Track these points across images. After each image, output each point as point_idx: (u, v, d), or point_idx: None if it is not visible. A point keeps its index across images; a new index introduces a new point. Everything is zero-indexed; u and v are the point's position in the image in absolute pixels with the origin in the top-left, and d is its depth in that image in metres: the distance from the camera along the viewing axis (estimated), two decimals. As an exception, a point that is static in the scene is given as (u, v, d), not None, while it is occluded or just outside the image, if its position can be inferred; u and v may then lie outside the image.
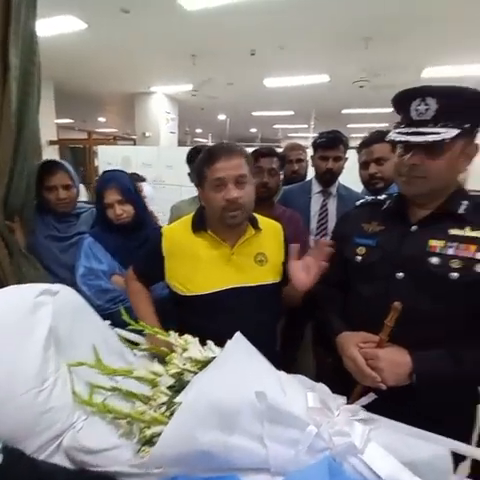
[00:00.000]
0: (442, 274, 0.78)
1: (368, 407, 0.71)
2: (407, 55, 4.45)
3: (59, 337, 0.82)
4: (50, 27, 3.82)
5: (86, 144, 7.16)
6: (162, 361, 0.82)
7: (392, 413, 0.71)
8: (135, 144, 7.88)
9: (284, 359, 1.90)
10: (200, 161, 1.00)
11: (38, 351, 0.75)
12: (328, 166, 1.63)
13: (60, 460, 0.70)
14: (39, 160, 1.37)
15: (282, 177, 1.68)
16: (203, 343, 0.81)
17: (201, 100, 7.14)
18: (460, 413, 0.84)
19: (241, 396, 0.61)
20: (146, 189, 2.61)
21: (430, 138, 0.74)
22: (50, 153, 6.17)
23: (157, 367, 0.76)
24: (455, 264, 0.77)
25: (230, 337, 0.76)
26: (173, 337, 0.83)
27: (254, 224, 1.07)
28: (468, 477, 0.70)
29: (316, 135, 1.79)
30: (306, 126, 9.36)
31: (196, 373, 0.69)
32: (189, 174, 1.88)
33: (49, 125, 6.49)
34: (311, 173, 1.89)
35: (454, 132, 0.73)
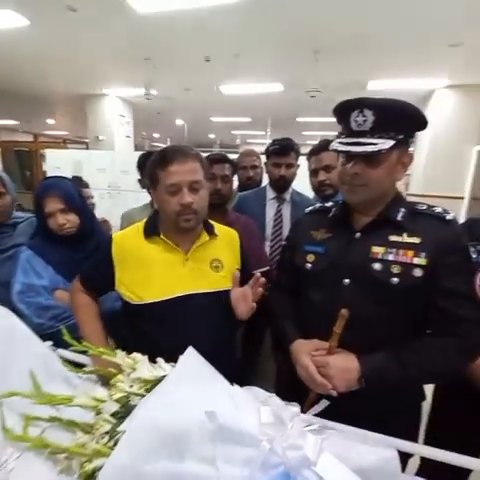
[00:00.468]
0: (384, 279, 0.81)
1: (320, 412, 0.71)
2: (353, 69, 4.73)
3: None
4: (-14, 21, 3.52)
5: (32, 147, 6.68)
6: (108, 384, 0.76)
7: (341, 416, 0.72)
8: (88, 148, 7.50)
9: (244, 364, 1.90)
10: (153, 163, 0.97)
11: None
12: (281, 173, 1.65)
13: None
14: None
15: (236, 183, 1.68)
16: (159, 354, 0.76)
17: (157, 104, 6.99)
18: (406, 411, 0.87)
19: (190, 418, 0.57)
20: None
21: (369, 149, 0.77)
22: (-10, 156, 5.67)
23: (100, 392, 0.70)
24: (395, 269, 0.80)
25: (186, 347, 0.72)
26: (120, 357, 0.77)
27: (209, 230, 1.05)
28: (416, 474, 0.73)
29: (273, 142, 1.81)
30: (263, 133, 9.56)
31: (144, 396, 0.65)
32: (139, 180, 1.81)
33: (-13, 126, 5.96)
34: (266, 179, 1.91)
35: (390, 143, 0.77)
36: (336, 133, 0.91)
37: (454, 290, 0.78)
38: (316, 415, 0.72)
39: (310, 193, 1.79)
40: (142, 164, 1.75)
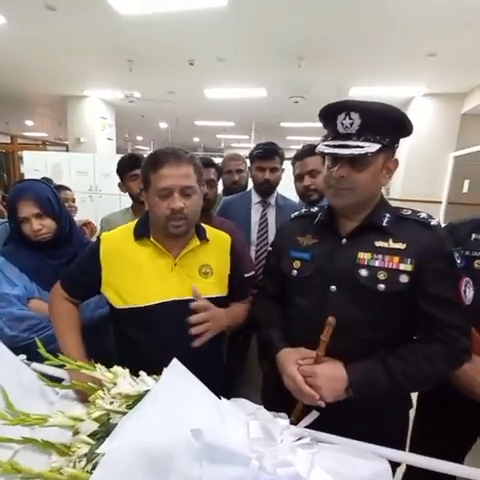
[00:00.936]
0: (371, 286, 0.80)
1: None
2: (336, 75, 4.82)
3: None
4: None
5: (9, 149, 6.45)
6: (87, 400, 0.72)
7: (329, 425, 0.70)
8: (68, 150, 7.31)
9: (230, 369, 1.87)
10: (146, 164, 0.94)
11: None
12: (265, 177, 1.64)
13: None
14: None
15: (221, 188, 1.66)
16: (144, 360, 0.73)
17: (140, 107, 6.90)
18: (394, 420, 0.87)
19: (175, 436, 0.54)
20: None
21: (355, 151, 0.76)
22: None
23: (78, 410, 0.65)
24: (382, 276, 0.80)
25: (172, 353, 0.69)
26: (100, 371, 0.73)
27: (200, 235, 1.03)
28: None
29: (256, 146, 1.80)
30: (248, 137, 9.60)
31: (125, 413, 0.61)
32: (119, 184, 1.77)
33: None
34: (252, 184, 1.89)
35: (376, 147, 0.76)
36: (320, 138, 0.90)
37: (439, 296, 0.78)
38: (305, 426, 0.70)
39: (295, 198, 1.78)
40: (121, 168, 1.71)
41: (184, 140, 11.90)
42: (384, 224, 0.84)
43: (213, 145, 12.76)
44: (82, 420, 0.63)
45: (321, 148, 0.82)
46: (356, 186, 0.81)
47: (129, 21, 3.40)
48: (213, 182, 1.49)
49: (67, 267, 1.10)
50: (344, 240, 0.87)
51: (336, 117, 0.79)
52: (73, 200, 2.45)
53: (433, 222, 0.82)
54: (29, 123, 9.99)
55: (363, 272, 0.81)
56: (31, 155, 5.60)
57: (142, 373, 0.72)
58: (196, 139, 12.29)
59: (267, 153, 1.65)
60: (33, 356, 0.93)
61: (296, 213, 1.06)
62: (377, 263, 0.81)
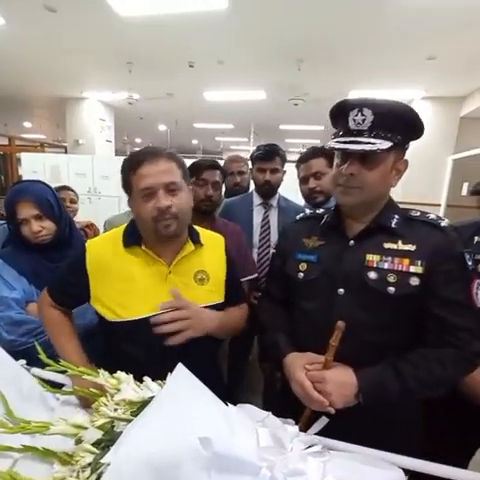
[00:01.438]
0: (380, 289, 0.78)
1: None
2: (335, 78, 4.83)
3: None
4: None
5: (7, 151, 6.42)
6: (89, 406, 0.70)
7: (340, 431, 0.68)
8: (66, 152, 7.28)
9: (232, 373, 1.85)
10: (124, 168, 0.89)
11: None
12: (266, 178, 1.63)
13: None
14: None
15: (223, 190, 1.65)
16: (138, 375, 0.70)
17: (140, 109, 6.89)
18: (406, 425, 0.85)
19: (182, 445, 0.52)
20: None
21: (367, 147, 0.75)
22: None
23: (81, 417, 0.63)
24: (391, 278, 0.78)
25: (167, 368, 0.66)
26: (103, 377, 0.70)
27: (194, 239, 0.97)
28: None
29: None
30: (247, 139, 9.61)
31: (130, 421, 0.59)
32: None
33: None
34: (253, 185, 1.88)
35: (387, 144, 0.75)
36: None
37: (450, 298, 0.76)
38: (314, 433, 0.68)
39: (300, 201, 1.77)
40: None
41: (183, 142, 11.89)
42: (393, 225, 0.82)
43: (212, 147, 12.75)
44: (85, 428, 0.60)
45: (331, 144, 0.80)
46: (365, 185, 0.79)
47: (129, 23, 3.40)
48: (218, 184, 1.48)
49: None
50: (352, 242, 0.85)
51: (348, 113, 0.78)
52: (73, 201, 2.41)
53: (443, 223, 0.81)
54: (27, 125, 9.96)
55: (372, 275, 0.80)
56: (29, 157, 5.56)
57: (146, 379, 0.70)
58: (195, 141, 12.28)
59: (267, 154, 1.64)
60: (33, 361, 0.91)
61: (301, 214, 1.04)
62: (386, 265, 0.79)
